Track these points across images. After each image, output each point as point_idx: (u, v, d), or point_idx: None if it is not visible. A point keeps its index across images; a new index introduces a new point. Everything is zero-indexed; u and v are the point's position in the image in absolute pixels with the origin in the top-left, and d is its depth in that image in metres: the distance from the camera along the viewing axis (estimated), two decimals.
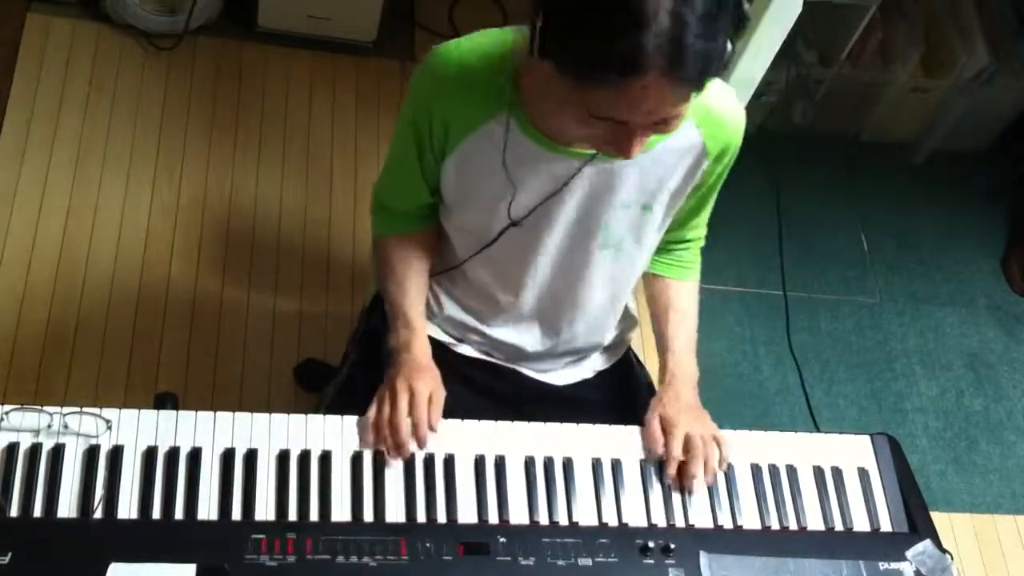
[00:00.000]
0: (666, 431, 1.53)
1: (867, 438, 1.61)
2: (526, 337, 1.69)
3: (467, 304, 1.67)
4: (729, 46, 1.18)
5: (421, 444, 1.45)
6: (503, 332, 1.68)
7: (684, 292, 1.69)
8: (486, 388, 1.71)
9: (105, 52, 2.84)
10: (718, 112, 1.45)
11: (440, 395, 1.51)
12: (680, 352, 1.64)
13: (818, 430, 2.64)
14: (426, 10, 3.15)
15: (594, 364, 1.77)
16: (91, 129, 2.71)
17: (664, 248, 1.66)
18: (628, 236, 1.54)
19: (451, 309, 1.68)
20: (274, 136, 2.83)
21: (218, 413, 1.42)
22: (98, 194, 2.61)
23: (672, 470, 1.50)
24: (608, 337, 1.76)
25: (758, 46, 2.03)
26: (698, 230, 1.68)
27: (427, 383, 1.50)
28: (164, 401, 1.63)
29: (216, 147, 2.76)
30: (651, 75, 1.12)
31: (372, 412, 1.47)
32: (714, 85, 1.40)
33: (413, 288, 1.61)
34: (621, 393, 1.77)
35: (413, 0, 3.17)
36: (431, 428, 1.47)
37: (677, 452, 1.50)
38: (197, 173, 2.71)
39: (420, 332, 1.58)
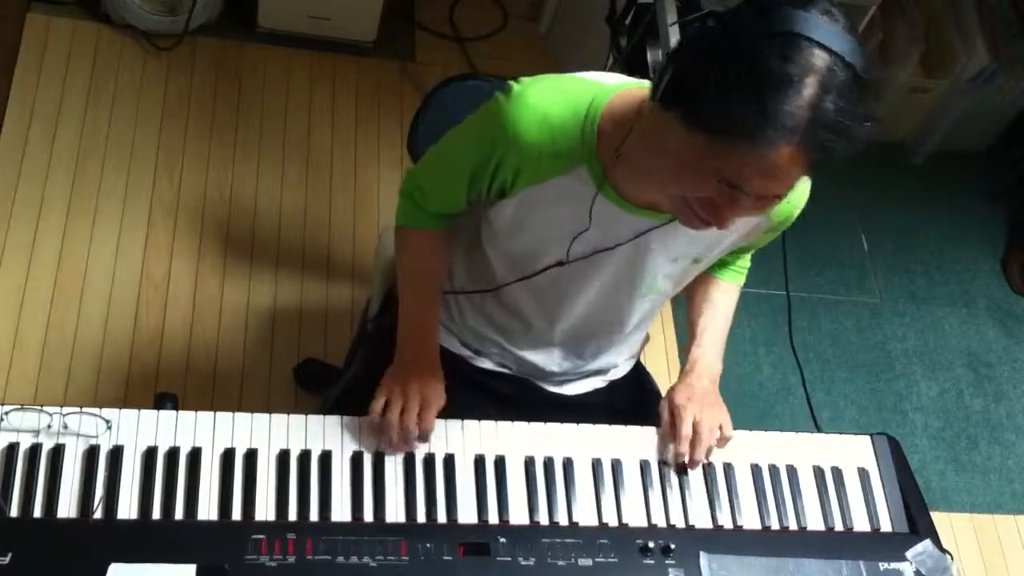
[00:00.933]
0: (675, 416, 1.53)
1: (867, 438, 1.61)
2: (549, 359, 1.69)
3: (496, 322, 1.66)
4: (862, 132, 1.17)
5: (398, 450, 1.45)
6: (526, 353, 1.68)
7: (724, 289, 1.69)
8: (498, 395, 1.71)
9: (105, 52, 2.84)
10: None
11: (437, 401, 1.50)
12: (706, 345, 1.63)
13: (818, 430, 2.63)
14: (426, 10, 3.15)
15: (607, 375, 1.78)
16: (91, 129, 2.71)
17: (723, 261, 1.67)
18: (670, 284, 1.55)
19: (474, 322, 1.67)
20: (274, 136, 2.83)
21: (218, 413, 1.42)
22: (98, 194, 2.61)
23: (682, 449, 1.51)
24: (627, 357, 1.77)
25: None
26: (747, 254, 1.69)
27: (426, 388, 1.49)
28: (164, 401, 1.63)
29: (216, 147, 2.76)
30: (786, 141, 1.12)
31: (377, 406, 1.47)
32: None
33: (430, 287, 1.60)
34: (631, 400, 1.78)
35: (413, 0, 3.17)
36: (422, 435, 1.46)
37: (686, 431, 1.51)
38: (197, 173, 2.71)
39: (431, 336, 1.57)
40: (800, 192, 1.49)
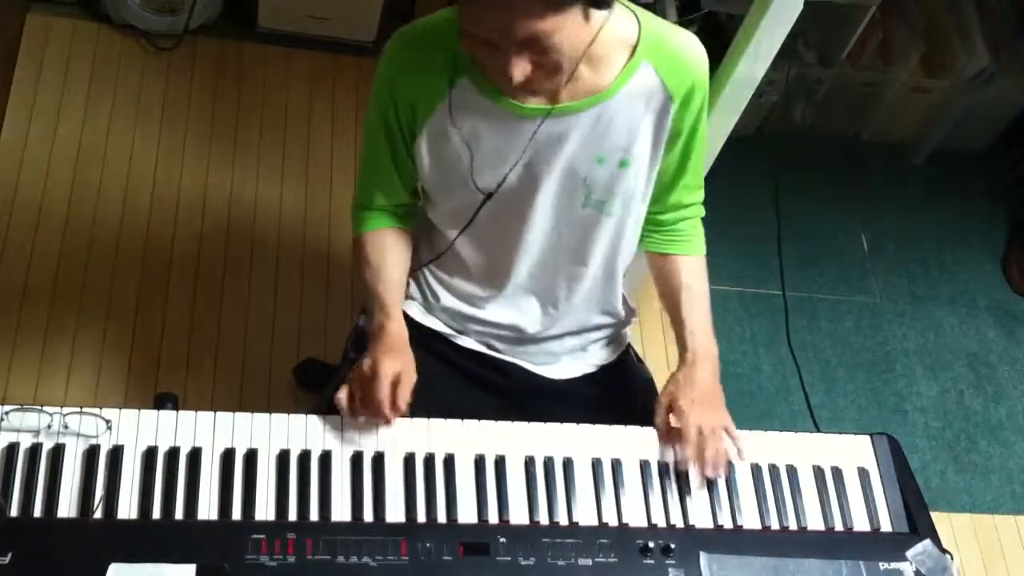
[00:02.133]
0: (678, 422, 1.52)
1: (867, 438, 1.61)
2: (525, 316, 1.67)
3: (463, 291, 1.67)
4: None
5: (385, 422, 1.45)
6: (501, 313, 1.66)
7: (692, 268, 1.66)
8: (486, 382, 1.71)
9: (105, 52, 2.84)
10: (672, 48, 1.44)
11: (409, 377, 1.49)
12: (698, 331, 1.61)
13: (818, 430, 2.63)
14: (426, 10, 3.13)
15: (594, 358, 1.76)
16: (91, 129, 2.71)
17: (662, 224, 1.64)
18: (613, 196, 1.52)
19: (447, 299, 1.68)
20: (274, 136, 2.83)
21: (218, 413, 1.42)
22: (98, 194, 2.61)
23: (690, 452, 1.51)
24: (608, 318, 1.73)
25: (758, 46, 2.03)
26: (692, 194, 1.63)
27: (393, 364, 1.48)
28: (164, 401, 1.63)
29: (216, 147, 2.76)
30: None
31: (341, 395, 1.47)
32: (664, 23, 1.45)
33: (387, 274, 1.60)
34: (620, 389, 1.76)
35: (413, 0, 3.16)
36: (397, 409, 1.45)
37: (691, 453, 1.50)
38: (197, 173, 2.71)
39: (395, 316, 1.57)
40: (692, 57, 1.46)
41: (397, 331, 1.55)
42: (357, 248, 1.64)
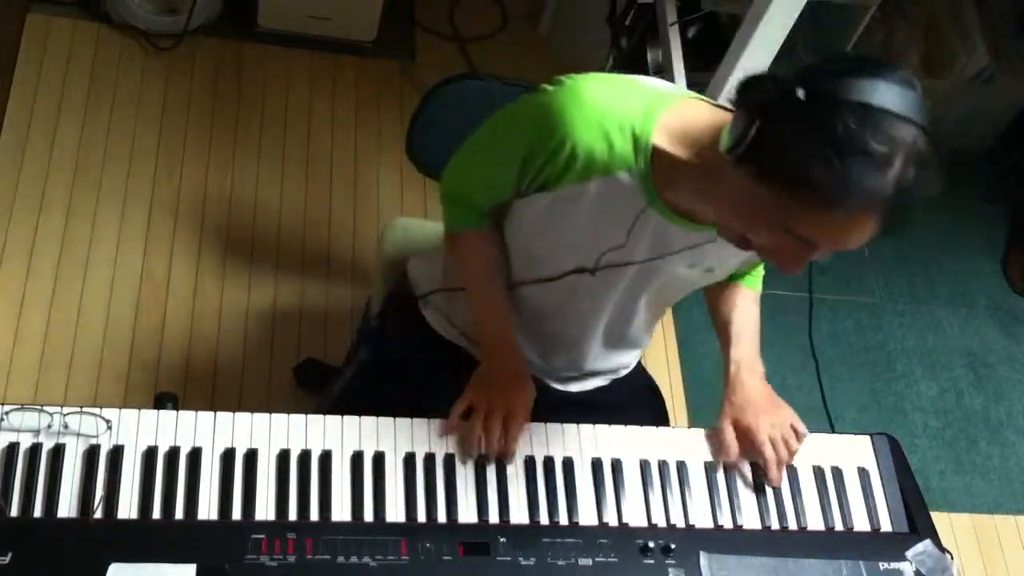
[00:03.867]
0: (754, 444, 1.52)
1: (867, 438, 1.61)
2: (554, 360, 1.69)
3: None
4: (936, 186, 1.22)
5: (506, 458, 1.46)
6: (531, 352, 1.67)
7: (749, 296, 1.68)
8: None
9: (105, 52, 2.84)
10: None
11: (523, 411, 1.50)
12: (746, 348, 1.62)
13: (832, 429, 2.63)
14: (426, 10, 3.15)
15: (609, 373, 1.78)
16: (91, 129, 2.71)
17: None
18: (680, 292, 1.55)
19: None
20: (274, 136, 2.83)
21: (218, 413, 1.42)
22: (98, 194, 2.61)
23: (773, 475, 1.52)
24: (632, 359, 1.77)
25: (758, 46, 2.03)
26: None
27: (524, 395, 1.51)
28: (164, 401, 1.63)
29: (216, 147, 2.76)
30: (871, 212, 1.15)
31: (459, 410, 1.47)
32: None
33: (500, 280, 1.59)
34: (628, 394, 1.78)
35: (413, 0, 3.17)
36: (505, 451, 1.47)
37: (774, 467, 1.52)
38: (197, 173, 2.71)
39: (511, 330, 1.57)
40: None
41: (516, 352, 1.57)
42: (462, 244, 1.59)
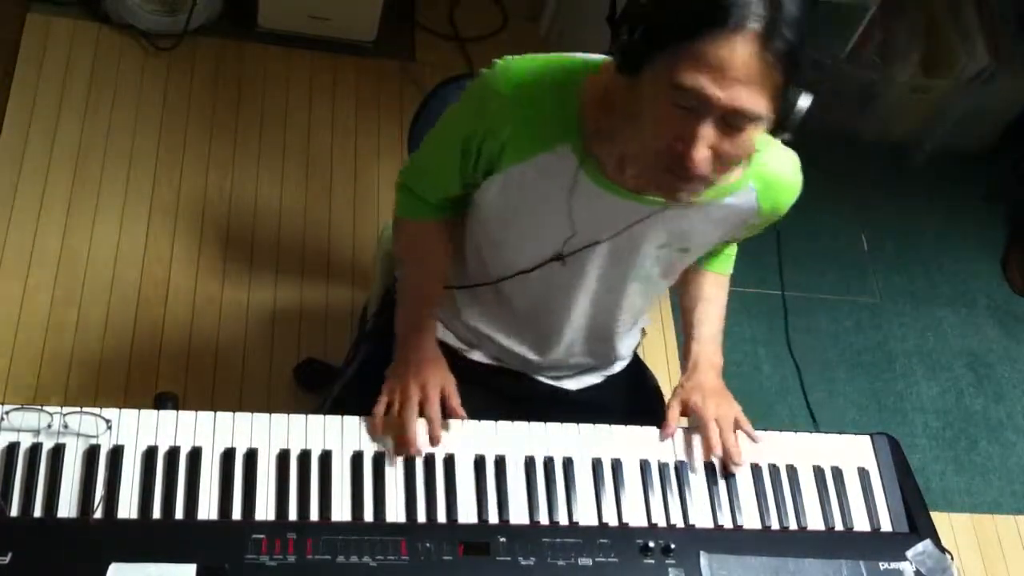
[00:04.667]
0: (699, 421, 1.54)
1: (867, 438, 1.61)
2: (543, 352, 1.69)
3: (490, 317, 1.66)
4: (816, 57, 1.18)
5: (435, 442, 1.45)
6: (517, 344, 1.68)
7: (716, 282, 1.69)
8: (499, 392, 1.71)
9: (105, 52, 2.84)
10: (778, 175, 1.46)
11: (453, 385, 1.51)
12: (705, 339, 1.64)
13: (818, 430, 2.63)
14: (426, 10, 3.15)
15: (604, 370, 1.78)
16: (91, 129, 2.71)
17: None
18: (662, 272, 1.55)
19: (467, 316, 1.67)
20: (274, 136, 2.83)
21: (218, 413, 1.42)
22: (98, 194, 2.61)
23: (718, 452, 1.52)
24: (622, 352, 1.76)
25: None
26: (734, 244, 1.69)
27: (437, 376, 1.50)
28: (164, 401, 1.63)
29: (216, 147, 2.76)
30: (739, 34, 1.12)
31: (380, 409, 1.47)
32: (777, 148, 1.43)
33: (432, 279, 1.60)
34: (633, 396, 1.78)
35: (413, 0, 3.17)
36: (456, 416, 1.47)
37: (716, 444, 1.52)
38: (197, 173, 2.71)
39: (428, 321, 1.57)
40: (790, 187, 1.49)
41: (429, 340, 1.56)
42: (403, 230, 1.62)
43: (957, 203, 3.29)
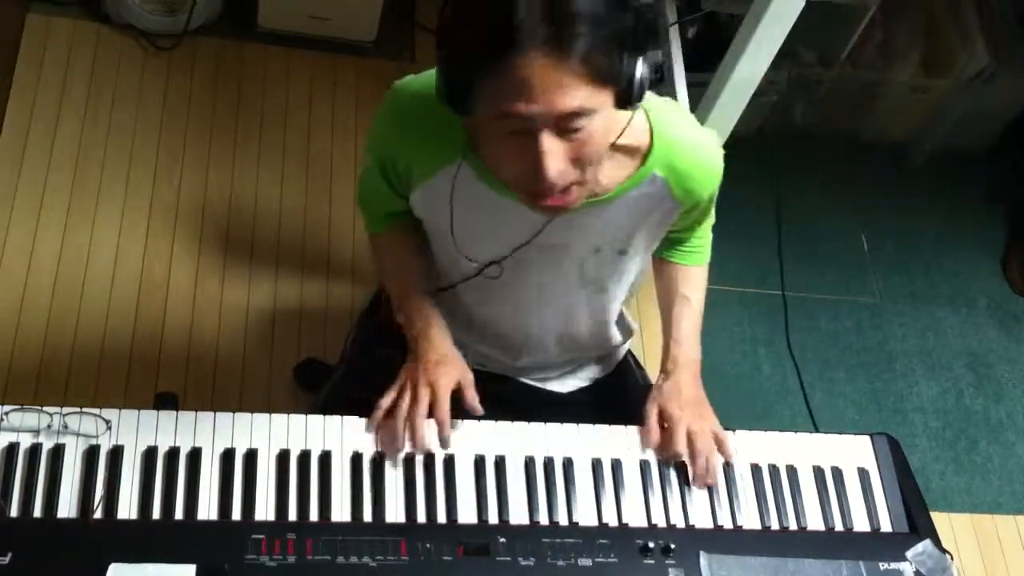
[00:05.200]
0: (668, 428, 1.52)
1: (867, 438, 1.61)
2: (516, 357, 1.69)
3: (459, 321, 1.65)
4: (631, 27, 1.14)
5: (444, 444, 1.44)
6: (494, 352, 1.68)
7: (691, 276, 1.67)
8: (486, 394, 1.70)
9: (105, 52, 2.84)
10: (687, 163, 1.41)
11: (468, 379, 1.50)
12: (683, 338, 1.62)
13: (817, 430, 2.64)
14: (426, 10, 3.15)
15: (590, 373, 1.77)
16: (91, 129, 2.71)
17: (672, 240, 1.63)
18: (607, 276, 1.54)
19: (448, 320, 1.65)
20: (274, 136, 2.83)
21: (218, 413, 1.42)
22: (98, 194, 2.61)
23: (700, 472, 1.50)
24: (600, 350, 1.76)
25: (758, 46, 2.03)
26: (702, 229, 1.65)
27: (450, 374, 1.48)
28: (164, 401, 1.63)
29: (216, 147, 2.76)
30: (530, 50, 1.10)
31: (386, 401, 1.46)
32: (687, 133, 1.40)
33: (418, 271, 1.59)
34: (620, 395, 1.77)
35: (413, 0, 3.17)
36: (473, 411, 1.47)
37: (682, 450, 1.50)
38: (197, 173, 2.71)
39: (435, 317, 1.56)
40: (703, 173, 1.44)
41: (441, 337, 1.54)
42: (377, 244, 1.63)
43: (957, 203, 3.29)
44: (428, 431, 1.45)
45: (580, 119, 1.16)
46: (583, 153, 1.20)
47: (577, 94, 1.13)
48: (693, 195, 1.44)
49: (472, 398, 1.48)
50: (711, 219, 1.65)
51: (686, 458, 1.51)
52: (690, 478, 1.50)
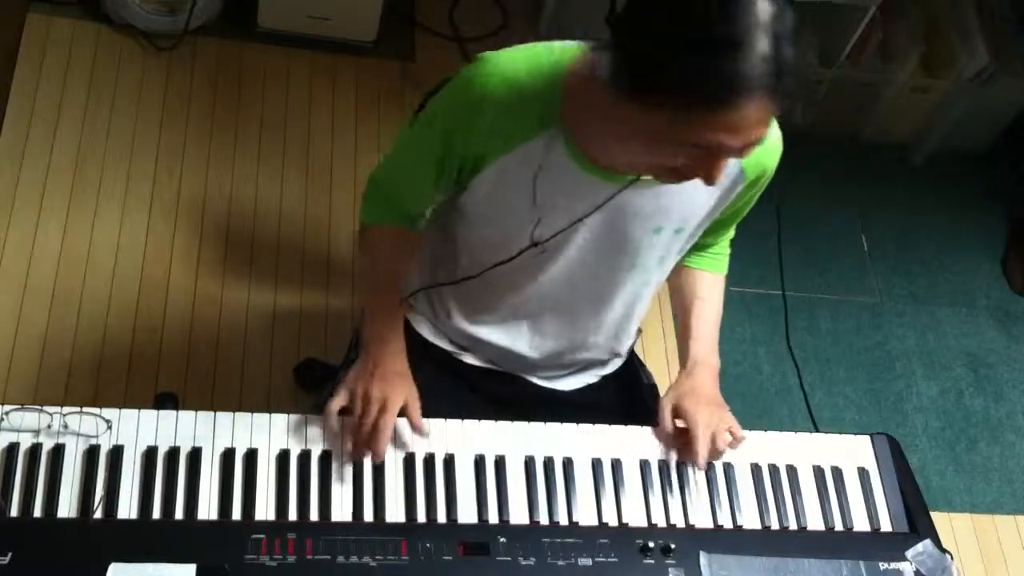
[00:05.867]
0: (689, 427, 1.53)
1: (867, 438, 1.61)
2: (533, 350, 1.68)
3: (478, 316, 1.65)
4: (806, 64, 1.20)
5: (377, 457, 1.43)
6: (508, 341, 1.66)
7: (711, 282, 1.68)
8: (492, 393, 1.70)
9: (105, 52, 2.84)
10: None
11: (414, 401, 1.48)
12: (702, 336, 1.63)
13: (817, 430, 2.63)
14: (426, 10, 3.15)
15: (598, 370, 1.77)
16: (91, 129, 2.71)
17: (694, 247, 1.65)
18: (656, 258, 1.54)
19: (459, 320, 1.66)
20: (274, 136, 2.83)
21: (218, 413, 1.42)
22: (98, 194, 2.61)
23: (701, 463, 1.51)
24: (619, 343, 1.75)
25: None
26: (728, 233, 1.69)
27: (401, 392, 1.47)
28: (164, 401, 1.63)
29: (216, 147, 2.76)
30: (756, 97, 1.13)
31: (335, 405, 1.45)
32: None
33: (400, 281, 1.59)
34: (625, 395, 1.77)
35: (413, 0, 3.17)
36: (417, 430, 1.46)
37: (704, 452, 1.51)
38: (197, 173, 2.71)
39: (399, 332, 1.55)
40: (772, 146, 1.47)
41: (400, 353, 1.54)
42: (369, 238, 1.60)
43: (957, 203, 3.29)
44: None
45: (759, 141, 1.21)
46: (742, 156, 1.25)
47: (768, 126, 1.19)
48: (758, 169, 1.47)
49: (417, 417, 1.47)
50: (731, 232, 1.68)
51: (705, 452, 1.51)
52: (698, 473, 1.51)
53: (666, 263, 1.57)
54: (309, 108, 2.90)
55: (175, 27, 2.85)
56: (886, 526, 1.53)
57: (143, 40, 2.87)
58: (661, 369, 2.56)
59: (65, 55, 2.80)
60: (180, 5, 2.82)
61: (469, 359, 1.70)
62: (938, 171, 3.32)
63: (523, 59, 1.36)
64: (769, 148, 1.46)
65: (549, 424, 1.52)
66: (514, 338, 1.66)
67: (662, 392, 1.63)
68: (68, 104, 2.73)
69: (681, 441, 1.54)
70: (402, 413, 1.47)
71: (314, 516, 1.37)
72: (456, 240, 1.57)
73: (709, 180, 1.25)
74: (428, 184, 1.49)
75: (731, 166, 1.42)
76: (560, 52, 1.36)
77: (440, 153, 1.43)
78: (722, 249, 1.70)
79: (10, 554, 1.24)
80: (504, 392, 1.71)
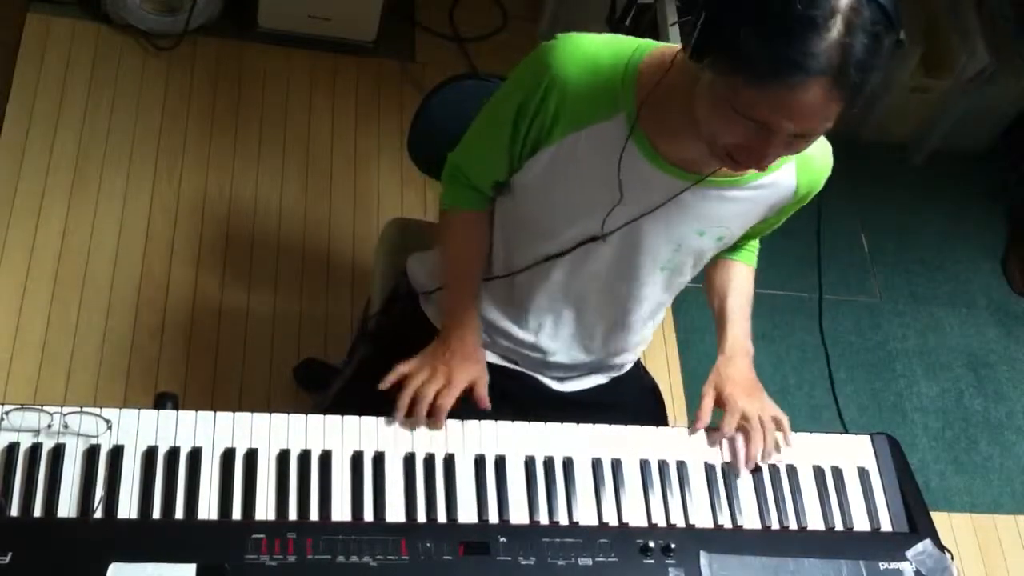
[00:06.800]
0: (723, 408, 1.55)
1: (867, 438, 1.61)
2: (560, 347, 1.69)
3: (506, 309, 1.66)
4: (881, 73, 1.21)
5: (435, 426, 1.47)
6: (535, 338, 1.67)
7: (745, 272, 1.72)
8: (504, 394, 1.70)
9: (105, 52, 2.84)
10: (816, 152, 1.49)
11: (483, 381, 1.54)
12: (740, 325, 1.66)
13: (818, 430, 2.63)
14: (426, 10, 3.15)
15: (610, 371, 1.77)
16: (91, 129, 2.71)
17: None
18: (689, 261, 1.56)
19: (488, 310, 1.67)
20: (274, 136, 2.83)
21: (218, 413, 1.42)
22: (98, 194, 2.61)
23: (753, 451, 1.52)
24: (635, 344, 1.76)
25: None
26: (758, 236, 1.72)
27: (470, 372, 1.52)
28: (164, 401, 1.62)
29: (216, 147, 2.76)
30: (818, 79, 1.15)
31: (404, 368, 1.50)
32: None
33: (479, 267, 1.62)
34: (629, 395, 1.78)
35: (413, 0, 3.17)
36: (481, 405, 1.51)
37: (730, 431, 1.52)
38: (197, 173, 2.71)
39: (475, 317, 1.59)
40: (824, 166, 1.53)
41: (475, 338, 1.58)
42: (450, 222, 1.63)
43: (957, 203, 3.30)
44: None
45: (813, 137, 1.26)
46: (795, 148, 1.29)
47: (829, 121, 1.22)
48: (813, 184, 1.52)
49: (483, 394, 1.52)
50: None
51: (737, 441, 1.53)
52: (742, 461, 1.52)
53: (696, 268, 1.60)
54: (309, 108, 2.90)
55: (175, 27, 2.85)
56: (886, 526, 1.53)
57: (143, 40, 2.87)
58: (661, 369, 2.56)
59: (65, 55, 2.80)
60: (180, 5, 2.82)
61: (486, 355, 1.70)
62: (938, 171, 3.32)
63: (605, 44, 1.40)
64: (821, 168, 1.52)
65: (549, 424, 1.52)
66: (538, 333, 1.67)
67: (663, 389, 1.63)
68: (68, 104, 2.73)
69: (712, 439, 1.55)
70: (468, 394, 1.52)
71: (314, 516, 1.37)
72: (495, 228, 1.60)
73: (760, 164, 1.27)
74: (502, 153, 1.50)
75: (786, 179, 1.47)
76: (643, 46, 1.40)
77: (513, 120, 1.45)
78: (754, 244, 1.73)
79: (10, 554, 1.24)
80: (515, 392, 1.71)
